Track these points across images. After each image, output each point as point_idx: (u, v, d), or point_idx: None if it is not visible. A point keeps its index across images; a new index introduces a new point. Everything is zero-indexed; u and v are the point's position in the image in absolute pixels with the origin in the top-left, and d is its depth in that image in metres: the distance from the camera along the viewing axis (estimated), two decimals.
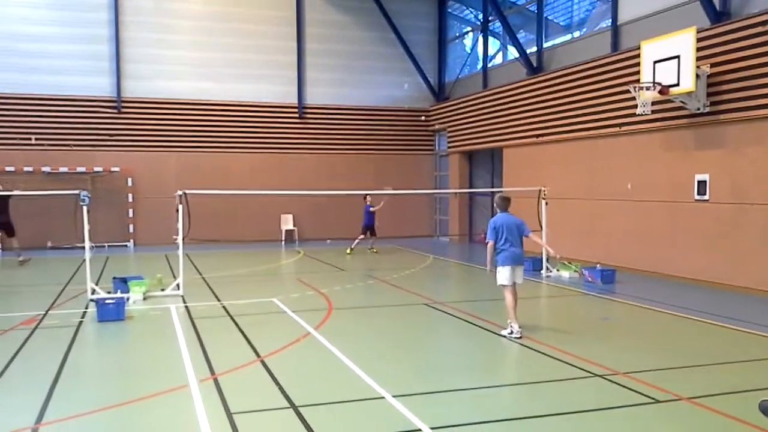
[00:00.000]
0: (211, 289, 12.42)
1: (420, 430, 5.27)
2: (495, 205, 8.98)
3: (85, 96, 20.72)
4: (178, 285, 11.79)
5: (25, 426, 5.37)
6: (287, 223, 22.53)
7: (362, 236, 18.65)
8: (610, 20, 15.76)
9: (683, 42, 12.13)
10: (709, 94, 12.39)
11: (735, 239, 12.09)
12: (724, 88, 12.18)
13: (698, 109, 12.49)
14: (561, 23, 18.96)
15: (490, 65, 21.69)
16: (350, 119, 23.56)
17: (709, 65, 12.37)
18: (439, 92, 24.36)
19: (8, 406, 5.96)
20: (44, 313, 10.11)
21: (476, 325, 9.15)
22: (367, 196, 18.53)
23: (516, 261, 8.55)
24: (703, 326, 9.30)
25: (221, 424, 5.41)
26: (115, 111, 21.03)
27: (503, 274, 8.51)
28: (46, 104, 20.33)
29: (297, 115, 22.94)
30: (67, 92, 20.50)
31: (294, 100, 22.88)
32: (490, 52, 21.86)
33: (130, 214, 21.09)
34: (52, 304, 10.85)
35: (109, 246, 20.00)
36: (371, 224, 18.63)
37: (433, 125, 24.23)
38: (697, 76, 12.15)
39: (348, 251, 18.34)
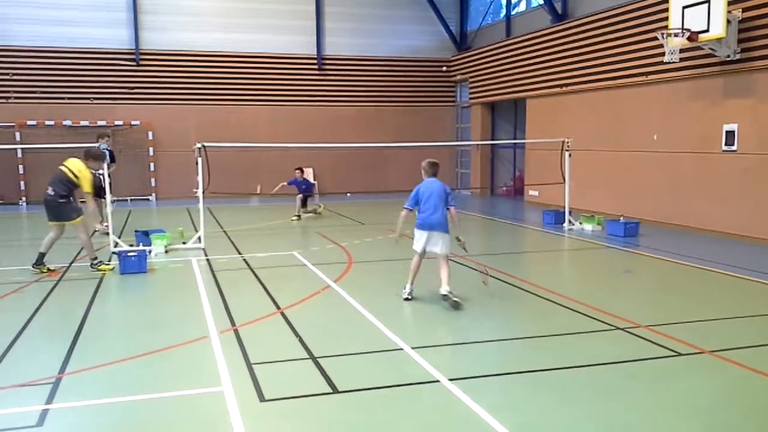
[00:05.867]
0: (231, 242, 12.49)
1: (438, 381, 5.27)
2: (422, 170, 7.99)
3: (104, 48, 20.60)
4: (199, 238, 11.86)
5: (48, 376, 5.46)
6: (308, 176, 22.41)
7: None
8: None
9: None
10: (739, 41, 11.95)
11: (762, 191, 11.81)
12: (755, 33, 11.73)
13: (728, 56, 12.08)
14: None
15: (513, 13, 21.13)
16: (370, 70, 23.20)
17: (740, 10, 11.90)
18: (461, 42, 23.84)
19: (32, 356, 6.07)
20: (68, 265, 10.25)
21: (496, 278, 9.09)
22: None
23: (431, 227, 7.72)
24: (727, 279, 9.16)
25: (241, 374, 5.45)
26: (134, 63, 20.93)
27: (415, 238, 7.88)
28: (64, 57, 20.25)
29: (316, 67, 22.66)
30: (86, 44, 20.40)
31: (313, 51, 22.56)
32: None
33: (152, 168, 21.18)
34: (76, 256, 10.97)
35: (131, 200, 20.17)
36: None
37: (455, 76, 23.80)
38: (728, 21, 11.70)
39: None
